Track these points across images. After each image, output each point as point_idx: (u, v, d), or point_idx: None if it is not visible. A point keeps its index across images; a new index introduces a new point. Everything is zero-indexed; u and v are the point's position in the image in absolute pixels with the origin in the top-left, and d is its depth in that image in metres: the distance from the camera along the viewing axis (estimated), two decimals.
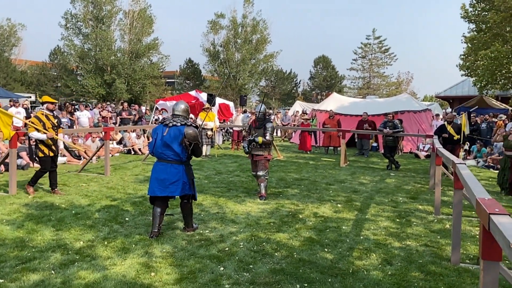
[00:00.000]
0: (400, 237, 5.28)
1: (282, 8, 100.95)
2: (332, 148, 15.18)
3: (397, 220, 6.11)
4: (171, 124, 5.02)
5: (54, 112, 7.49)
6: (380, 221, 6.02)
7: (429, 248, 4.89)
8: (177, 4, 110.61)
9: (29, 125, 6.95)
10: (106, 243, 4.73)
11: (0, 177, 8.62)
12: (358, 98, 29.36)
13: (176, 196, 5.15)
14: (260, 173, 7.24)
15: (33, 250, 4.47)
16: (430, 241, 5.15)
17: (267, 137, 7.12)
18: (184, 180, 5.01)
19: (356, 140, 15.39)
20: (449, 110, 24.72)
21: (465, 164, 4.25)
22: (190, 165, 5.19)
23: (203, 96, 16.33)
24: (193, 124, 5.20)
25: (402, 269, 4.22)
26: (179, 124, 5.00)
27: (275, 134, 21.05)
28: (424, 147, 14.94)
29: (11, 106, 15.06)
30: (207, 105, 13.04)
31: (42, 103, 7.36)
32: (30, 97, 34.87)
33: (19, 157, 7.96)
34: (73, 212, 6.03)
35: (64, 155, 11.15)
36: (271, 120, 7.76)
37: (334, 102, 18.27)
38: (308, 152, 14.95)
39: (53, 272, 3.91)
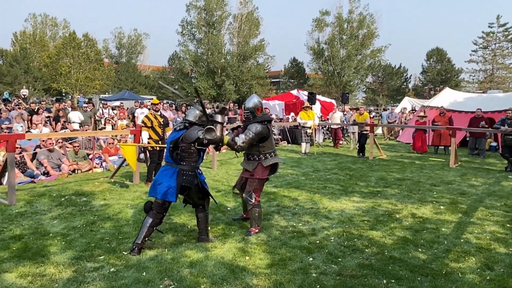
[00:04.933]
0: (508, 243, 4.87)
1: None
2: (442, 147, 14.18)
3: (508, 225, 5.60)
4: (178, 128, 4.75)
5: (160, 112, 8.52)
6: (486, 225, 5.60)
7: None
8: (282, 4, 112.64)
9: (142, 125, 8.17)
10: (209, 228, 5.27)
11: (127, 168, 9.99)
12: (477, 93, 26.69)
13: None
14: (244, 195, 5.17)
15: None
16: None
17: (238, 140, 4.79)
18: (171, 184, 4.49)
19: (468, 139, 14.08)
20: None
21: None
22: (189, 171, 4.58)
23: (304, 95, 16.59)
24: (200, 127, 4.58)
25: (504, 275, 3.95)
26: (183, 127, 4.68)
27: (380, 131, 20.04)
28: None
29: (137, 107, 17.21)
30: (306, 103, 13.26)
31: (151, 105, 8.51)
32: (152, 98, 39.07)
33: (142, 152, 9.18)
34: None
35: None
36: (267, 119, 5.11)
37: (446, 98, 17.00)
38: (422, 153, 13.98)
39: (165, 250, 4.55)
